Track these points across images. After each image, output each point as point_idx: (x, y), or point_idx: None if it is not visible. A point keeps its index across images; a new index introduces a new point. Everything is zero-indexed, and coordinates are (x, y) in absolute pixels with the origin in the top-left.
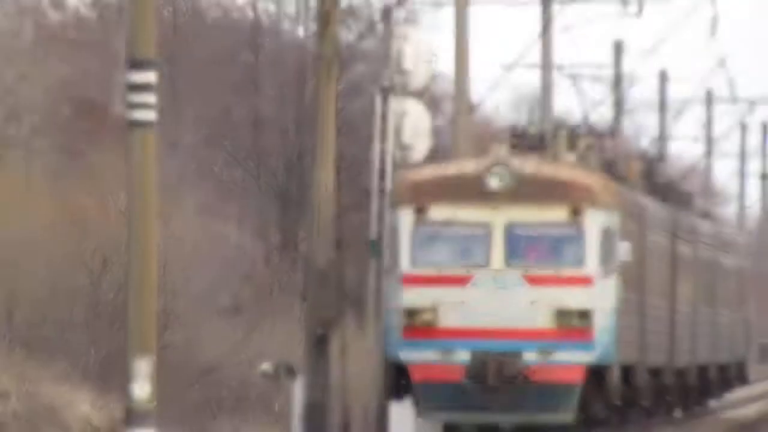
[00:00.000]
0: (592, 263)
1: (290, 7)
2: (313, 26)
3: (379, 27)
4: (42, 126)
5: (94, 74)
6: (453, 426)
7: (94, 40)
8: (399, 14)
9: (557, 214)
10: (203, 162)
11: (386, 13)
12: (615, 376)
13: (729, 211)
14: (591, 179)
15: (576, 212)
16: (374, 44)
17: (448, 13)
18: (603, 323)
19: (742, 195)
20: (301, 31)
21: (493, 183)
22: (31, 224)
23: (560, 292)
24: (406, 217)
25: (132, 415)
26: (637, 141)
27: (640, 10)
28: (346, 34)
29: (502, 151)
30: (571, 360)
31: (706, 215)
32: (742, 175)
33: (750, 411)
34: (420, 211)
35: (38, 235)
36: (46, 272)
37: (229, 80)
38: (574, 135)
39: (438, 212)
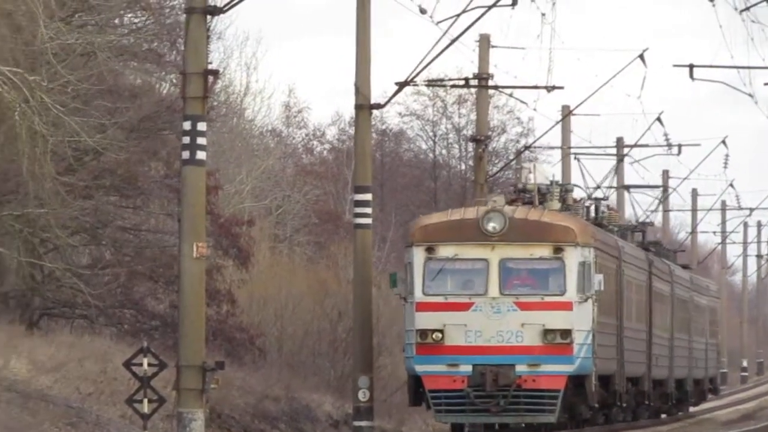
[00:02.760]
0: (571, 291)
1: (455, 151)
2: (471, 163)
3: (513, 163)
4: (299, 228)
5: (332, 195)
6: (459, 426)
7: (332, 172)
8: (525, 155)
9: (542, 250)
10: (401, 250)
11: (518, 154)
12: (593, 384)
13: (737, 277)
14: (570, 222)
15: (558, 249)
16: (510, 173)
17: (557, 153)
18: (581, 340)
19: (744, 267)
20: (463, 166)
21: (489, 226)
22: (294, 290)
23: (545, 315)
24: (418, 254)
25: (358, 411)
26: (675, 233)
27: (679, 152)
28: (492, 168)
29: (497, 200)
30: (555, 371)
31: (686, 267)
32: (744, 255)
33: (725, 413)
34: (430, 249)
35: (298, 297)
36: (303, 321)
37: (418, 198)
38: (564, 191)
39: (445, 250)
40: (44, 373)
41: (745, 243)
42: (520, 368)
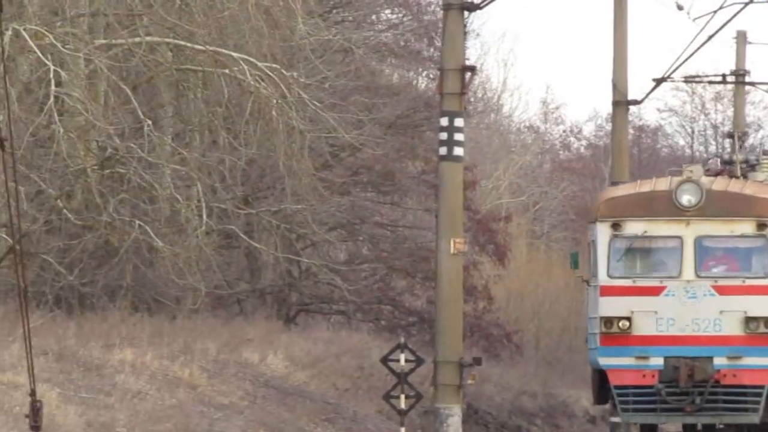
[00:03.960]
0: None
1: (712, 147)
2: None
3: None
4: (557, 224)
5: (590, 191)
6: (650, 427)
7: (589, 168)
8: None
9: (744, 227)
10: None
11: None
12: None
13: None
14: None
15: (761, 225)
16: None
17: None
18: None
19: None
20: None
21: (684, 199)
22: (551, 286)
23: (747, 300)
24: (603, 232)
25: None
26: None
27: None
28: None
29: (694, 170)
30: (759, 364)
31: None
32: None
33: None
34: (616, 226)
35: (555, 293)
36: (560, 317)
37: None
38: None
39: (632, 226)
40: (301, 368)
41: None
42: (719, 361)
